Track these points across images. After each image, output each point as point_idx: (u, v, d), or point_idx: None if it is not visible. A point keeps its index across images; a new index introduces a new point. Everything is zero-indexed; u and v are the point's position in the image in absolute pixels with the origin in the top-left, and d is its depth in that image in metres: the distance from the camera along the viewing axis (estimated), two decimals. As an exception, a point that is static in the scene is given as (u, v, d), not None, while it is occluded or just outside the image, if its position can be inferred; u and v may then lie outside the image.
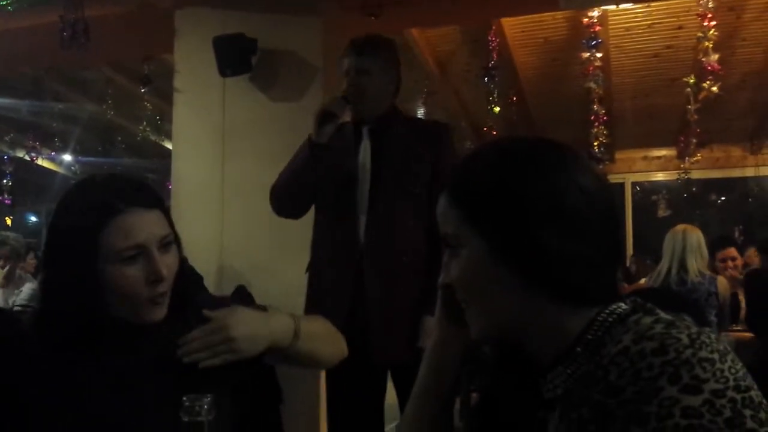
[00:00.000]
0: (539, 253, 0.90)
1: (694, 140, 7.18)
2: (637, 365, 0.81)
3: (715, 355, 0.80)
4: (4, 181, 8.93)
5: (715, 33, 5.15)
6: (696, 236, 4.21)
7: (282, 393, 3.34)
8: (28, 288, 4.81)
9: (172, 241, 1.35)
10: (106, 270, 1.27)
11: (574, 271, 0.90)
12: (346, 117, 2.65)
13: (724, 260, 4.82)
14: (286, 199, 2.73)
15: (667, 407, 0.77)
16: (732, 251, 4.91)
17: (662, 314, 0.87)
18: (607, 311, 0.91)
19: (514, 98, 6.75)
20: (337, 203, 2.64)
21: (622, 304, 0.92)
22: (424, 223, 2.52)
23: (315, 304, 2.69)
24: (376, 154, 2.61)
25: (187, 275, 1.45)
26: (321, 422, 3.59)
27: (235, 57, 3.76)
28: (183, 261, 1.42)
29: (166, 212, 1.38)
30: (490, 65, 5.77)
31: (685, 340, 0.81)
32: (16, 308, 4.45)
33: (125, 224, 1.28)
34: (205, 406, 1.09)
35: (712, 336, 0.83)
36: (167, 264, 1.32)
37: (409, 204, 2.56)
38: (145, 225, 1.30)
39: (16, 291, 4.79)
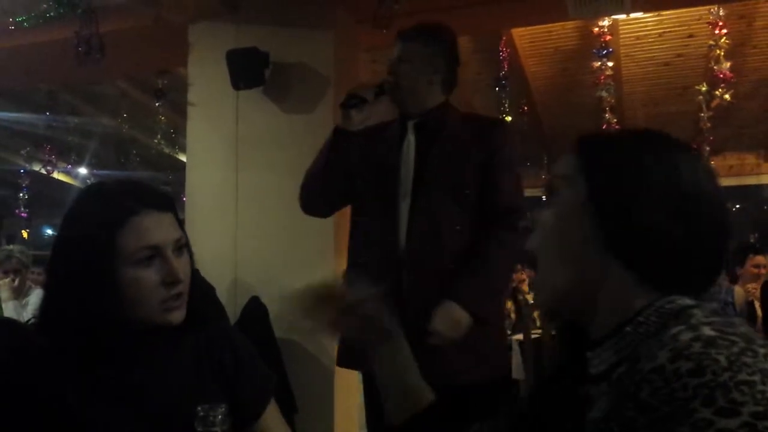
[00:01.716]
0: (635, 220, 0.90)
1: (707, 148, 7.16)
2: (671, 385, 0.78)
3: (756, 377, 0.76)
4: (21, 194, 9.01)
5: (727, 41, 5.16)
6: None
7: (295, 400, 3.38)
8: (35, 296, 4.84)
9: (185, 244, 1.35)
10: (121, 273, 1.26)
11: (662, 251, 0.90)
12: (390, 113, 2.46)
13: (757, 266, 4.82)
14: (314, 194, 2.49)
15: (701, 428, 0.75)
16: (762, 259, 4.91)
17: (705, 330, 0.82)
18: (668, 300, 0.90)
19: (525, 108, 6.77)
20: (375, 202, 2.38)
21: (687, 299, 0.90)
22: (472, 228, 2.27)
23: None
24: (421, 152, 2.35)
25: (199, 283, 1.44)
26: (335, 430, 3.61)
27: (248, 70, 3.79)
28: (195, 270, 1.42)
29: (177, 216, 1.39)
30: (500, 75, 5.79)
31: (723, 362, 0.77)
32: (30, 321, 4.48)
33: (140, 226, 1.27)
34: (219, 416, 1.10)
35: (761, 352, 0.79)
36: (182, 267, 1.32)
37: (456, 208, 2.27)
38: (159, 227, 1.30)
39: (23, 301, 4.81)
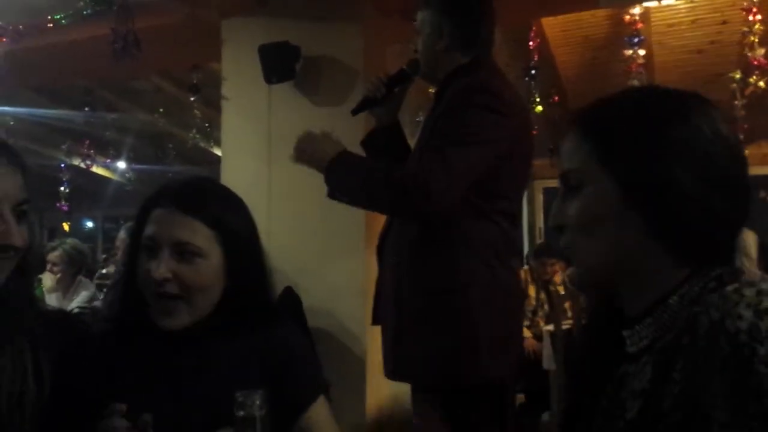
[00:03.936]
0: (672, 194, 0.88)
1: (742, 136, 7.05)
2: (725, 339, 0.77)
3: None
4: (62, 188, 9.19)
5: (761, 27, 5.08)
6: (745, 237, 4.12)
7: (328, 390, 3.43)
8: (84, 296, 4.93)
9: (194, 252, 1.32)
10: (139, 257, 1.35)
11: (703, 220, 0.88)
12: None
13: None
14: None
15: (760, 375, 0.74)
16: None
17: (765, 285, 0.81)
18: (711, 271, 0.89)
19: (556, 98, 6.73)
20: None
21: (727, 269, 0.90)
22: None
23: None
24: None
25: (247, 291, 1.41)
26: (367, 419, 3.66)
27: (279, 64, 3.85)
28: (248, 278, 1.41)
29: (216, 226, 1.36)
30: (530, 65, 5.77)
31: None
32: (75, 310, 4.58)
33: (154, 217, 1.35)
34: (258, 401, 1.13)
35: None
36: (179, 272, 1.31)
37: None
38: (167, 224, 1.33)
39: (72, 295, 4.90)
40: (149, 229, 1.34)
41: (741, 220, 0.93)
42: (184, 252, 1.32)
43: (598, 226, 0.94)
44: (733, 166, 0.91)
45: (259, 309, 1.43)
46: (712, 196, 0.88)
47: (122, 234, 5.10)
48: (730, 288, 0.82)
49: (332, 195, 2.16)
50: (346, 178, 2.08)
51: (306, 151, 2.15)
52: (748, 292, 0.79)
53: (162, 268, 1.29)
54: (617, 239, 0.93)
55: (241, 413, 1.12)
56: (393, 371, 2.11)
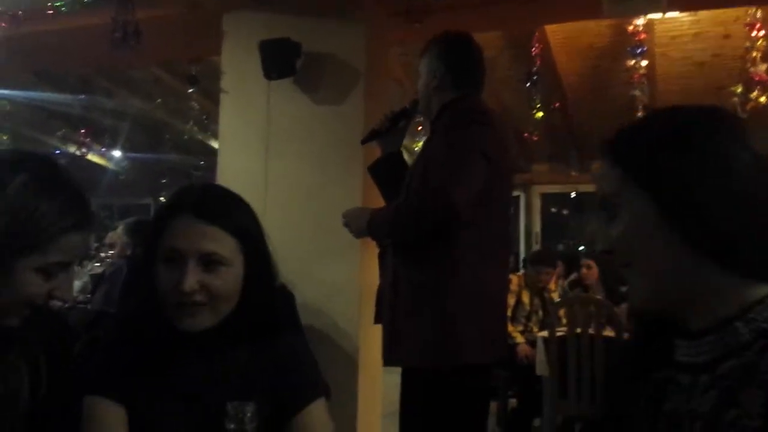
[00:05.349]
0: (706, 213, 0.89)
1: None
2: None
3: None
4: (56, 175, 9.12)
5: (764, 43, 5.08)
6: None
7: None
8: (75, 286, 4.88)
9: (221, 262, 1.33)
10: (156, 268, 1.32)
11: (740, 237, 0.88)
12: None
13: None
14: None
15: None
16: None
17: None
18: None
19: (557, 104, 6.73)
20: None
21: None
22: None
23: None
24: None
25: (259, 301, 1.42)
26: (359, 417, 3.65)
27: (280, 60, 3.82)
28: (262, 287, 1.41)
29: (238, 234, 1.36)
30: (532, 71, 5.77)
31: None
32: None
33: (175, 227, 1.32)
34: (248, 414, 1.12)
35: None
36: (205, 281, 1.31)
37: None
38: (191, 234, 1.32)
39: None
40: (172, 241, 1.32)
41: None
42: (210, 262, 1.32)
43: (644, 247, 0.95)
44: (763, 183, 0.91)
45: (267, 316, 1.44)
46: (743, 212, 0.89)
47: (120, 232, 5.04)
48: None
49: (380, 245, 2.55)
50: (381, 228, 2.42)
51: (351, 225, 2.51)
52: None
53: (191, 280, 1.29)
54: (667, 260, 0.93)
55: (232, 426, 1.11)
56: (388, 358, 2.43)
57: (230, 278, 1.34)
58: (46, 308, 1.28)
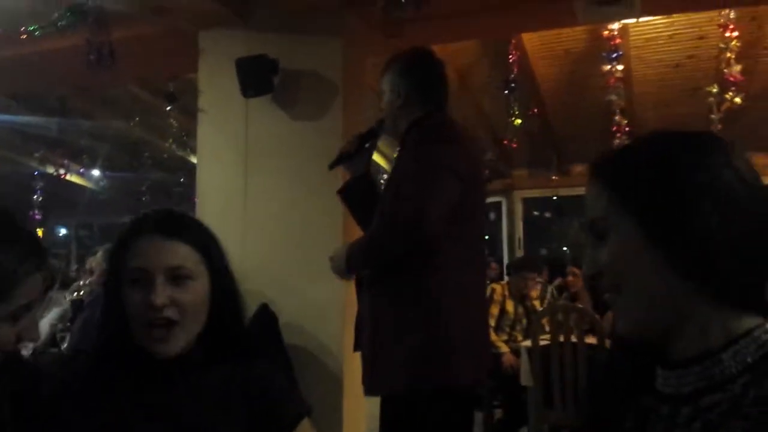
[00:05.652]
0: (692, 240, 0.87)
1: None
2: None
3: None
4: (35, 197, 9.08)
5: (737, 43, 5.12)
6: None
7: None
8: (55, 312, 4.84)
9: (188, 276, 1.34)
10: (123, 291, 1.33)
11: (728, 265, 0.87)
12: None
13: None
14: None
15: None
16: None
17: None
18: (765, 329, 0.88)
19: (535, 110, 6.76)
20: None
21: None
22: None
23: None
24: None
25: (227, 317, 1.42)
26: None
27: (257, 78, 3.81)
28: (228, 303, 1.42)
29: (201, 248, 1.38)
30: (510, 78, 5.79)
31: None
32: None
33: (137, 248, 1.33)
34: None
35: None
36: (175, 297, 1.32)
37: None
38: (154, 252, 1.33)
39: (45, 314, 4.80)
40: (137, 261, 1.33)
41: None
42: (178, 276, 1.33)
43: (632, 273, 0.94)
44: (755, 207, 0.90)
45: (237, 337, 1.44)
46: (733, 237, 0.87)
47: (100, 258, 5.00)
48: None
49: (358, 277, 2.50)
50: (358, 259, 2.37)
51: (335, 267, 2.47)
52: None
53: (161, 295, 1.30)
54: (655, 286, 0.92)
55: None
56: (369, 388, 2.39)
57: (198, 292, 1.36)
58: (13, 354, 1.26)
